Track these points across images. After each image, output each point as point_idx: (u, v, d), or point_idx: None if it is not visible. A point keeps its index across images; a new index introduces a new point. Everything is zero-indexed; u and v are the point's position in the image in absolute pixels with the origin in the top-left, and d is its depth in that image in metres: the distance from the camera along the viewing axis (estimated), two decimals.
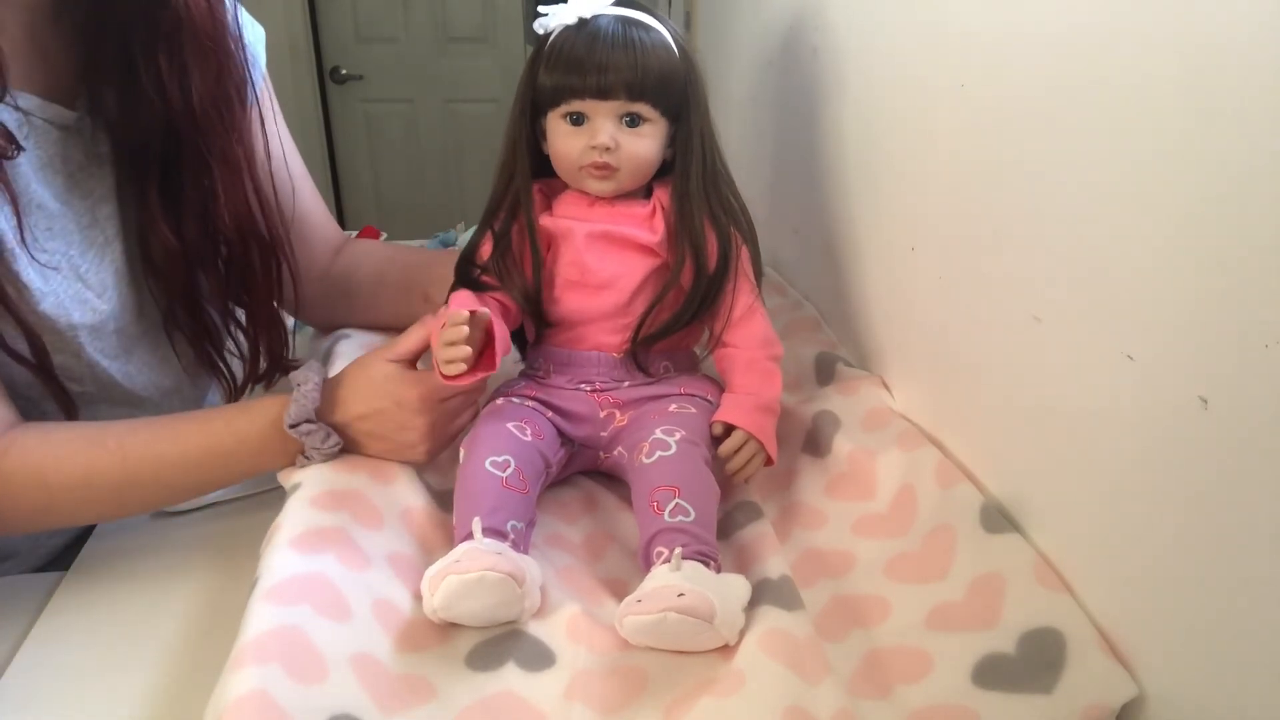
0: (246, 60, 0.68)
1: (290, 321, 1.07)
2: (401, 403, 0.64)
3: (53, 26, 0.62)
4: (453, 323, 0.59)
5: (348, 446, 0.64)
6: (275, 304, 0.74)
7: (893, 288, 0.76)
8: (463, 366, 0.59)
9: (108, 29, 0.62)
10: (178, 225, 0.66)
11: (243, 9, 0.75)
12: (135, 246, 0.68)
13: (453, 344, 0.59)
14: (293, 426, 0.61)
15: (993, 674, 0.49)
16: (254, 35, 0.76)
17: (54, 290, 0.62)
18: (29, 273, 0.60)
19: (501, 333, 0.62)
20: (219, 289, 0.70)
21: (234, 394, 0.76)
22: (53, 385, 0.63)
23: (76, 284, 0.63)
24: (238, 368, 0.77)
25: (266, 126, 0.75)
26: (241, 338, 0.74)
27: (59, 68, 0.63)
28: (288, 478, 0.63)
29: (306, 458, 0.63)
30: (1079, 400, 0.51)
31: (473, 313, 0.60)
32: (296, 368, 0.74)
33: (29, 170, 0.60)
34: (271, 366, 0.76)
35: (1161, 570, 0.45)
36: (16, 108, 0.59)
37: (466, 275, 0.69)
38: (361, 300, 0.86)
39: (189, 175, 0.65)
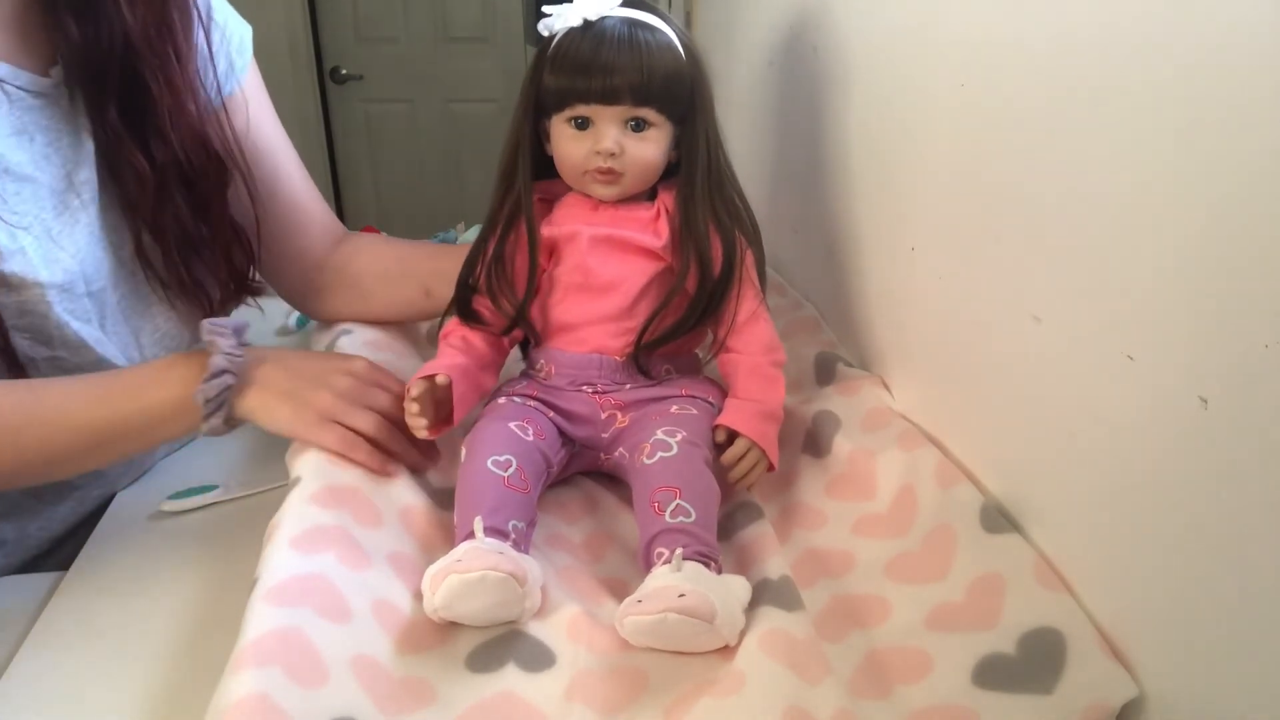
0: (210, 36, 0.72)
1: (292, 310, 1.08)
2: (340, 359, 0.69)
3: None
4: (410, 398, 0.64)
5: (246, 375, 0.64)
6: (234, 221, 0.76)
7: (893, 288, 0.76)
8: (426, 432, 0.65)
9: None
10: (145, 149, 0.68)
11: (228, 4, 0.78)
12: (112, 192, 0.69)
13: (414, 415, 0.64)
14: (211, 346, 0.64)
15: (993, 674, 0.49)
16: (241, 30, 0.78)
17: (22, 248, 0.62)
18: None
19: (461, 391, 0.65)
20: (185, 210, 0.72)
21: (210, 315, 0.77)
22: (6, 355, 0.63)
23: (48, 243, 0.64)
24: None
25: (253, 115, 0.77)
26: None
27: (31, 35, 0.65)
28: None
29: (209, 372, 0.62)
30: (1079, 400, 0.51)
31: (433, 379, 0.64)
32: (262, 291, 0.81)
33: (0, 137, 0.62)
34: (238, 287, 0.79)
35: (1161, 570, 0.45)
36: None
37: (464, 297, 0.70)
38: (360, 292, 0.86)
39: (148, 100, 0.68)
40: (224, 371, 0.62)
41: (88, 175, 0.67)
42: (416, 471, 0.67)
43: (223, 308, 0.78)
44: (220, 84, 0.75)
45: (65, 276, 0.65)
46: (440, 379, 0.65)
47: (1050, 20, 0.51)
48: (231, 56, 0.77)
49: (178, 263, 0.73)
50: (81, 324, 0.67)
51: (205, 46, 0.72)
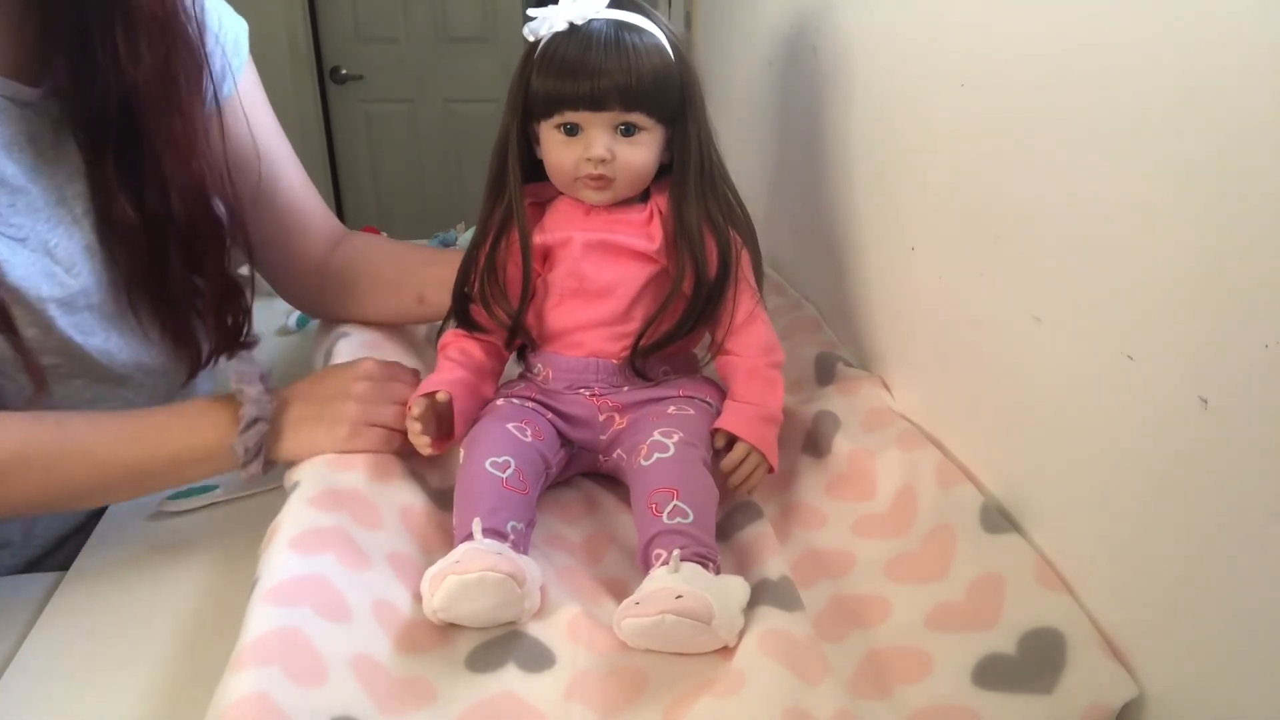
0: (204, 46, 0.69)
1: (292, 310, 1.07)
2: (350, 368, 0.69)
3: (11, 3, 0.62)
4: (412, 417, 0.65)
5: (276, 421, 0.65)
6: (230, 277, 0.74)
7: (893, 288, 0.76)
8: (430, 450, 0.65)
9: (65, 1, 0.63)
10: (137, 198, 0.66)
11: (222, 1, 0.76)
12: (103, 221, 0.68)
13: (416, 433, 0.65)
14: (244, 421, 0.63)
15: (993, 674, 0.49)
16: (236, 27, 0.76)
17: (21, 262, 0.62)
18: None
19: (462, 406, 0.66)
20: (179, 262, 0.70)
21: (199, 367, 0.76)
22: (24, 354, 0.62)
23: (44, 258, 0.63)
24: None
25: (251, 116, 0.76)
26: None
27: (21, 45, 0.63)
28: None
29: (243, 422, 0.63)
30: (1079, 400, 0.51)
31: (434, 396, 0.65)
32: (255, 345, 0.77)
33: None
34: (230, 341, 0.76)
35: (1161, 570, 0.45)
36: None
37: (462, 306, 0.70)
38: (356, 296, 0.86)
39: (145, 150, 0.66)
40: (258, 420, 0.64)
41: (80, 189, 0.66)
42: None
43: (212, 359, 0.76)
44: (216, 89, 0.73)
45: (64, 291, 0.64)
46: (441, 396, 0.65)
47: (1050, 21, 0.51)
48: (227, 58, 0.75)
49: (164, 311, 0.71)
50: (85, 337, 0.66)
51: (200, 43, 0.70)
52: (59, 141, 0.65)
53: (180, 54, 0.66)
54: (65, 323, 0.64)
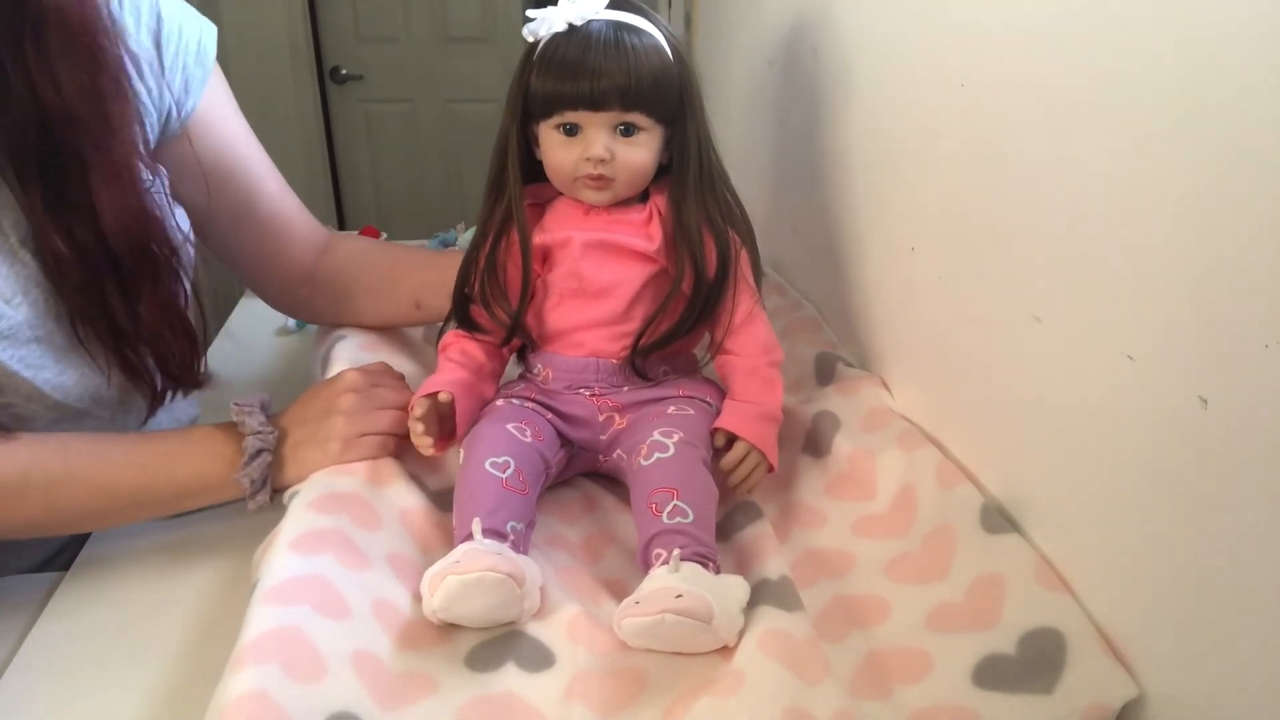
0: (125, 56, 0.63)
1: (294, 321, 1.07)
2: (333, 384, 0.69)
3: None
4: (414, 417, 0.65)
5: (285, 462, 0.66)
6: (175, 312, 0.68)
7: (893, 288, 0.76)
8: (433, 451, 0.65)
9: None
10: (68, 231, 0.61)
11: (190, 7, 0.71)
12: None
13: (418, 434, 0.65)
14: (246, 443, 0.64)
15: (993, 674, 0.49)
16: (198, 33, 0.71)
17: None
18: None
19: (463, 406, 0.66)
20: (116, 295, 0.65)
21: (157, 403, 0.71)
22: None
23: None
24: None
25: (221, 128, 0.73)
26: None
27: None
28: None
29: (247, 454, 0.64)
30: (1079, 400, 0.51)
31: (436, 396, 0.65)
32: (205, 385, 0.73)
33: None
34: (176, 380, 0.70)
35: (1161, 570, 0.45)
36: None
37: (463, 307, 0.70)
38: (351, 306, 0.85)
39: (72, 178, 0.61)
40: (261, 451, 0.64)
41: (13, 220, 0.61)
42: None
43: (166, 395, 0.71)
44: (177, 107, 0.69)
45: (4, 324, 0.60)
46: (443, 396, 0.65)
47: (1050, 20, 0.51)
48: (189, 70, 0.69)
49: (114, 346, 0.66)
50: (33, 371, 0.62)
51: (136, 75, 0.65)
52: None
53: (106, 66, 0.61)
54: (9, 356, 0.60)
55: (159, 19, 0.67)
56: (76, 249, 0.61)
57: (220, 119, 0.73)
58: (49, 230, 0.61)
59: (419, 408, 0.65)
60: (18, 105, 0.58)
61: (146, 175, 0.65)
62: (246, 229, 0.78)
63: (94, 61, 0.60)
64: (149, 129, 0.67)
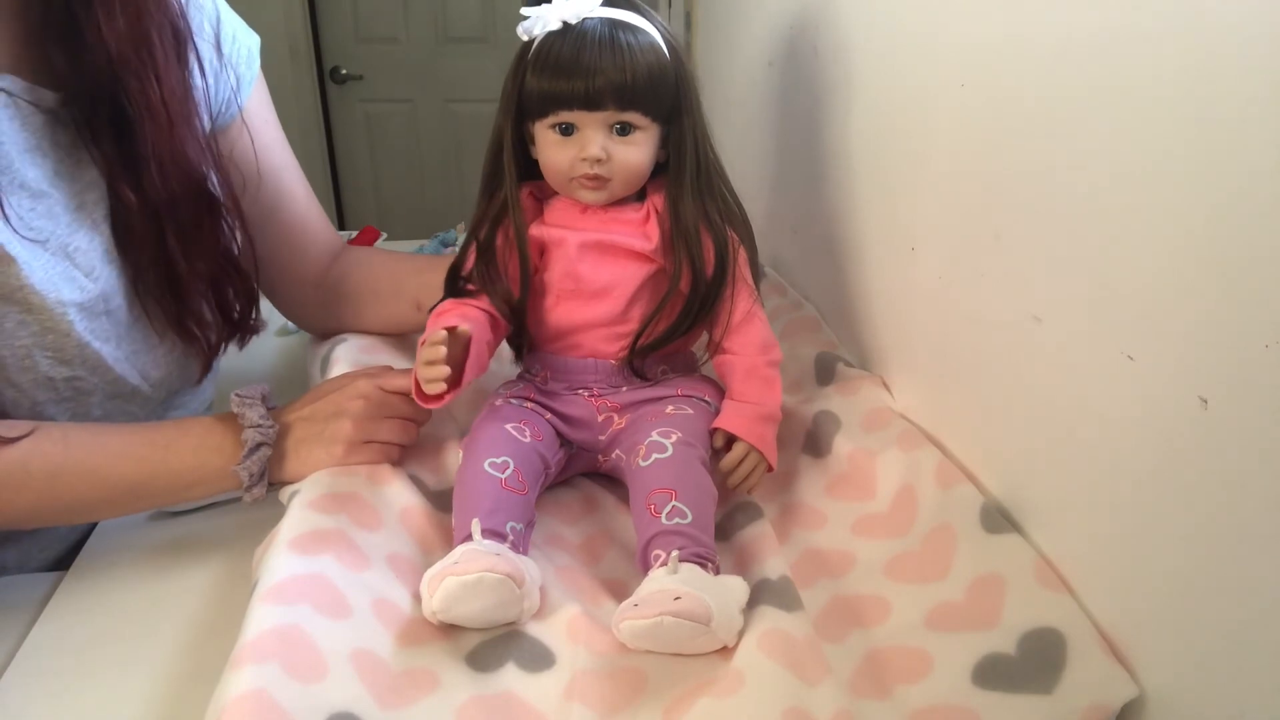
0: (180, 9, 0.67)
1: (295, 326, 1.07)
2: (347, 385, 0.69)
3: (29, 10, 0.62)
4: (432, 342, 0.60)
5: (278, 445, 0.66)
6: (229, 258, 0.73)
7: (893, 288, 0.76)
8: (443, 386, 0.60)
9: None
10: (136, 182, 0.66)
11: (237, 16, 0.76)
12: (120, 219, 0.68)
13: (432, 363, 0.59)
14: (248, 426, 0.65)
15: (993, 674, 0.49)
16: (249, 42, 0.77)
17: (42, 265, 0.62)
18: (14, 245, 0.60)
19: (478, 352, 0.62)
20: (175, 243, 0.69)
21: (210, 357, 0.76)
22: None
23: (64, 262, 0.64)
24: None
25: (260, 133, 0.76)
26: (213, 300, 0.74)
27: (37, 46, 0.63)
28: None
29: (246, 447, 0.64)
30: (1079, 400, 0.51)
31: (452, 330, 0.61)
32: (262, 329, 0.78)
33: (13, 151, 0.61)
34: (235, 326, 0.76)
35: (1161, 570, 0.45)
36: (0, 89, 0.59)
37: (454, 286, 0.69)
38: (353, 307, 0.86)
39: (140, 126, 0.65)
40: (260, 445, 0.65)
41: (97, 197, 0.66)
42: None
43: (222, 347, 0.76)
44: (225, 105, 0.73)
45: (83, 295, 0.64)
46: (463, 329, 0.61)
47: (1050, 20, 0.51)
48: (240, 71, 0.75)
49: (170, 301, 0.71)
50: (101, 343, 0.67)
51: (198, 68, 0.69)
52: (79, 148, 0.65)
53: (153, 14, 0.64)
54: (84, 327, 0.65)
55: (219, 20, 0.73)
56: (143, 199, 0.66)
57: (260, 123, 0.78)
58: (121, 182, 0.65)
59: (436, 336, 0.60)
60: (89, 59, 0.62)
61: (200, 125, 0.69)
62: (270, 232, 0.79)
63: (141, 9, 0.64)
64: (202, 118, 0.71)
